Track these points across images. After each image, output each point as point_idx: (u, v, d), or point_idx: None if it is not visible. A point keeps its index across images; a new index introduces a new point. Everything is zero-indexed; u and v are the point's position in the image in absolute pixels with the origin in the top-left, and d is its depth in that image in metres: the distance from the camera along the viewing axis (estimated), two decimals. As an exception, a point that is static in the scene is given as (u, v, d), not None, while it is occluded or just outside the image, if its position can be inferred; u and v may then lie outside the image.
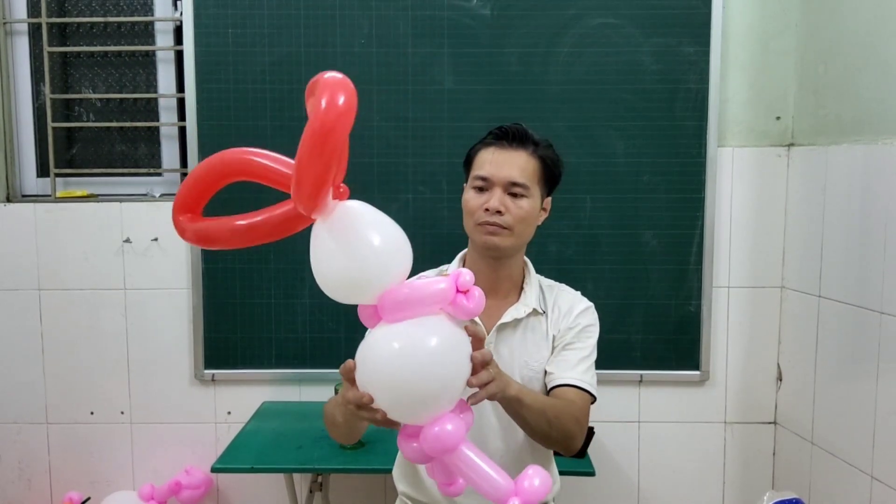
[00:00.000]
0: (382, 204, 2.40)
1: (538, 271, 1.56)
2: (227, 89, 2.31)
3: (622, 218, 2.33)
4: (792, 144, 2.35)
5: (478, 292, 1.04)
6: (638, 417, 2.45)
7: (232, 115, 2.32)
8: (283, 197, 1.09)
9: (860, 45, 2.02)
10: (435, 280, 1.04)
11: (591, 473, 1.98)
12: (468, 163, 1.47)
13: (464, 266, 1.50)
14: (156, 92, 2.50)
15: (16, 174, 2.53)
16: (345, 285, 1.03)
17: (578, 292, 1.56)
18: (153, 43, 2.50)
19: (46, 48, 2.44)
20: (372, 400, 1.03)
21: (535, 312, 1.47)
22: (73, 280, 2.44)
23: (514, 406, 1.27)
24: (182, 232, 1.12)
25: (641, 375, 2.40)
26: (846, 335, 2.04)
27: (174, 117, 2.49)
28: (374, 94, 2.26)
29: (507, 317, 1.45)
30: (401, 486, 1.61)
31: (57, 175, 2.49)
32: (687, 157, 2.32)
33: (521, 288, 1.50)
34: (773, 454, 2.47)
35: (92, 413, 2.49)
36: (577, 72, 2.26)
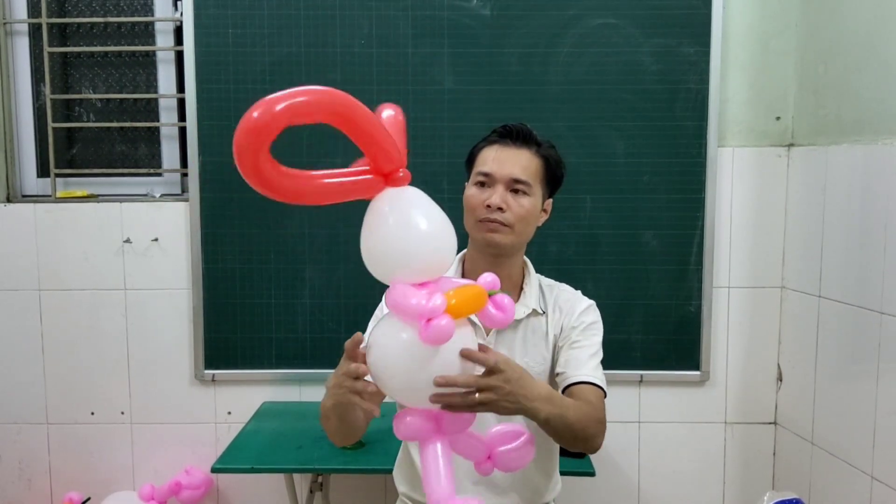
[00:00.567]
0: (382, 204, 2.35)
1: (538, 271, 1.55)
2: (227, 89, 2.31)
3: (622, 218, 2.33)
4: (792, 144, 2.35)
5: (507, 300, 1.07)
6: (638, 417, 2.45)
7: (232, 115, 2.32)
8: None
9: (860, 45, 2.02)
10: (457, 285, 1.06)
11: (592, 473, 1.98)
12: (470, 160, 1.47)
13: (463, 266, 1.50)
14: (156, 92, 2.50)
15: (16, 174, 2.53)
16: (400, 255, 1.05)
17: (579, 291, 1.55)
18: (153, 43, 2.50)
19: (46, 48, 2.44)
20: (366, 373, 1.08)
21: (535, 313, 1.47)
22: (73, 280, 2.44)
23: (542, 426, 1.26)
24: (255, 170, 1.00)
25: (641, 375, 2.40)
26: (846, 335, 2.04)
27: (174, 117, 2.49)
28: (374, 94, 2.26)
29: None
30: (401, 486, 1.61)
31: (57, 175, 2.49)
32: (687, 158, 2.32)
33: (521, 288, 1.49)
34: (774, 454, 2.47)
35: (92, 413, 2.49)
36: (577, 72, 2.26)
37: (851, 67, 2.05)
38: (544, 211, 1.48)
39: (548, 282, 1.55)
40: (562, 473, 1.64)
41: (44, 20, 2.43)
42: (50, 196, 2.49)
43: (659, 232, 2.33)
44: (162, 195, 2.50)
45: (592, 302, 1.53)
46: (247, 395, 2.45)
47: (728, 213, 2.37)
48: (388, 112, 1.09)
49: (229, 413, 2.48)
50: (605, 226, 2.33)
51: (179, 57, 2.41)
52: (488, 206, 1.37)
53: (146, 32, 2.51)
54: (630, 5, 2.26)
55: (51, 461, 2.52)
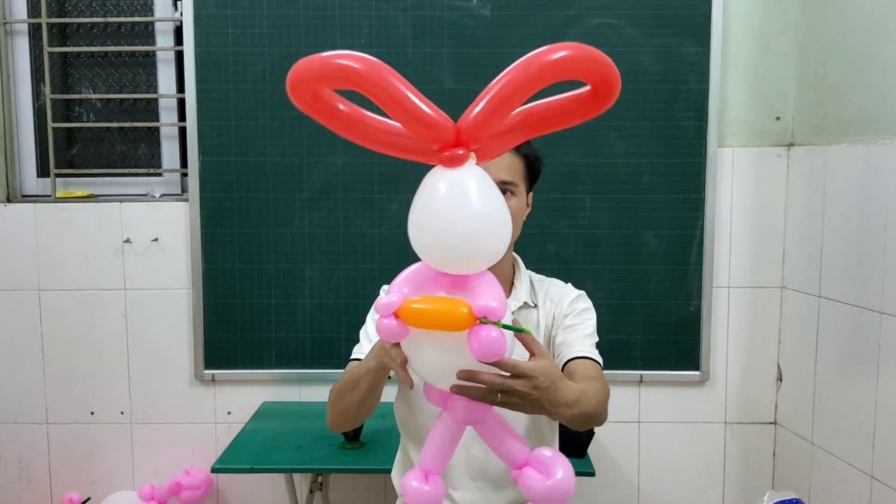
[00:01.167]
0: (383, 204, 2.41)
1: (538, 271, 1.56)
2: (227, 89, 2.31)
3: (622, 218, 2.33)
4: (792, 144, 2.35)
5: (492, 337, 0.93)
6: (638, 418, 2.45)
7: (232, 115, 2.32)
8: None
9: (860, 46, 2.01)
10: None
11: (592, 473, 1.98)
12: None
13: None
14: (156, 92, 2.50)
15: (16, 174, 2.53)
16: (423, 240, 0.97)
17: (569, 284, 1.57)
18: (153, 43, 2.50)
19: (46, 48, 2.44)
20: (406, 361, 1.03)
21: (525, 306, 1.48)
22: (73, 280, 2.44)
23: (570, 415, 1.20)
24: (311, 97, 0.97)
25: (641, 376, 2.40)
26: (846, 335, 2.04)
27: (174, 117, 2.49)
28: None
29: None
30: (400, 489, 1.61)
31: (57, 175, 2.49)
32: (687, 158, 2.32)
33: (512, 283, 1.51)
34: (773, 454, 2.47)
35: (92, 413, 2.49)
36: (577, 72, 2.26)
37: (851, 67, 2.05)
38: (528, 205, 1.49)
39: (538, 277, 1.57)
40: (562, 473, 1.64)
41: (44, 20, 2.43)
42: (50, 196, 2.49)
43: (659, 232, 2.33)
44: (162, 195, 2.50)
45: (583, 292, 1.54)
46: (247, 395, 2.45)
47: (728, 213, 2.37)
48: None
49: (229, 413, 2.48)
50: (605, 226, 2.33)
51: (179, 57, 2.41)
52: None
53: (146, 32, 2.51)
54: (630, 5, 2.26)
55: (50, 461, 2.52)
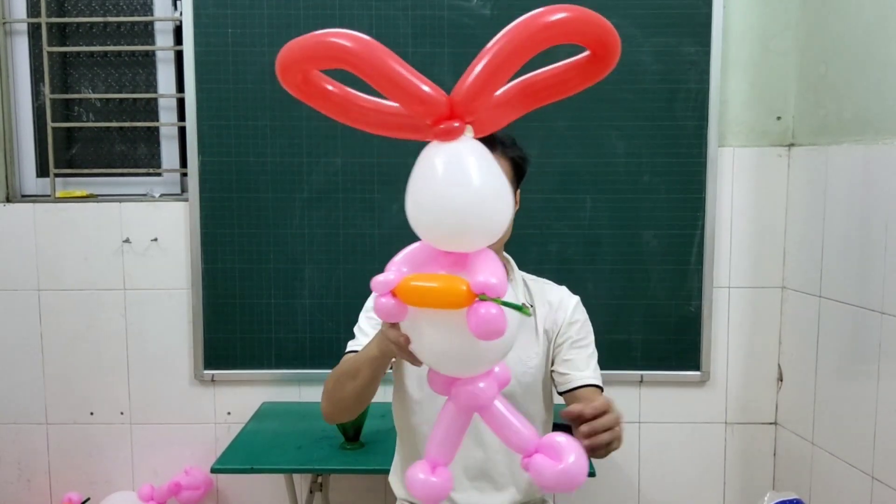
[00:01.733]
0: (382, 204, 2.41)
1: (538, 272, 1.56)
2: (227, 89, 2.31)
3: (622, 218, 2.32)
4: (792, 144, 2.35)
5: (491, 314, 0.89)
6: (638, 418, 2.45)
7: (232, 115, 2.32)
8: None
9: (861, 45, 2.01)
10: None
11: (591, 473, 1.97)
12: None
13: None
14: (155, 92, 2.50)
15: (15, 174, 2.53)
16: (420, 217, 0.94)
17: (564, 287, 1.57)
18: (153, 43, 2.50)
19: (46, 48, 2.44)
20: (409, 341, 1.00)
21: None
22: (73, 280, 2.44)
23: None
24: (302, 80, 0.94)
25: (642, 376, 2.40)
26: (847, 335, 2.04)
27: (174, 117, 2.49)
28: (373, 95, 2.25)
29: None
30: (399, 492, 1.61)
31: (57, 175, 2.49)
32: (687, 157, 2.31)
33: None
34: (774, 455, 2.46)
35: (92, 413, 2.49)
36: (578, 72, 2.26)
37: (852, 67, 2.05)
38: (517, 203, 1.49)
39: (531, 277, 1.57)
40: (562, 474, 1.64)
41: (43, 20, 2.43)
42: (49, 196, 2.49)
43: (659, 232, 2.33)
44: (161, 195, 2.50)
45: (579, 298, 1.55)
46: (246, 396, 2.45)
47: (728, 213, 2.37)
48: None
49: (229, 413, 2.47)
50: (605, 226, 2.33)
51: (179, 57, 2.41)
52: None
53: (146, 32, 2.50)
54: (630, 5, 2.26)
55: (50, 461, 2.52)
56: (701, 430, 2.46)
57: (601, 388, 1.47)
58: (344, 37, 0.88)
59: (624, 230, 2.33)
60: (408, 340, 0.99)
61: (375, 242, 2.32)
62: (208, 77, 2.31)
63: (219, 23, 2.29)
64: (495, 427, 1.02)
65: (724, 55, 2.29)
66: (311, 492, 2.28)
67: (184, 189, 2.49)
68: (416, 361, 1.05)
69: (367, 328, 1.49)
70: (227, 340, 2.40)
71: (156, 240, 2.42)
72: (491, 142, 1.41)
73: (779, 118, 2.36)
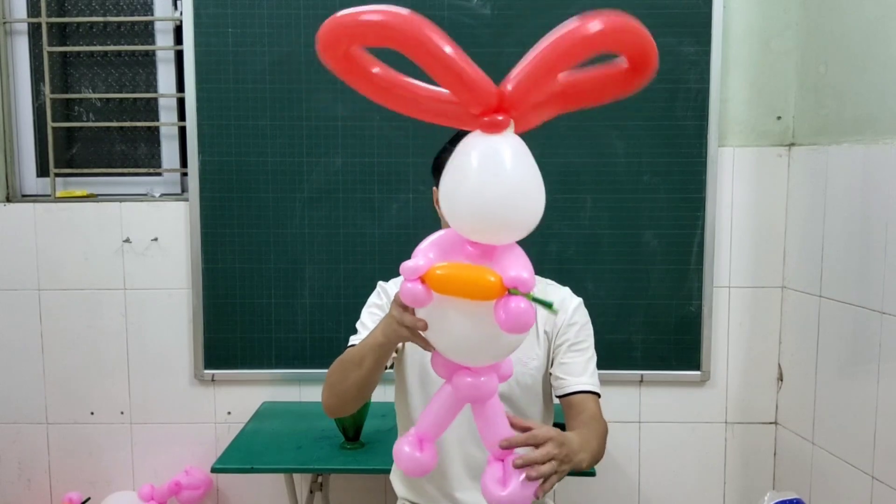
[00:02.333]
0: (382, 204, 2.41)
1: (538, 272, 1.55)
2: (227, 89, 2.31)
3: (622, 218, 2.32)
4: (793, 144, 2.35)
5: (521, 308, 0.91)
6: (638, 418, 2.45)
7: (232, 115, 2.32)
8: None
9: (861, 45, 2.01)
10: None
11: (592, 473, 1.97)
12: (438, 169, 1.47)
13: None
14: (156, 92, 2.50)
15: (15, 174, 2.53)
16: (456, 207, 0.93)
17: (567, 288, 1.56)
18: (153, 43, 2.50)
19: (46, 48, 2.43)
20: (426, 327, 1.00)
21: None
22: (73, 280, 2.44)
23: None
24: (343, 56, 0.93)
25: (642, 375, 2.40)
26: (847, 335, 2.04)
27: (174, 117, 2.49)
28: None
29: None
30: (400, 491, 1.61)
31: (57, 175, 2.49)
32: (687, 157, 2.31)
33: None
34: (774, 454, 2.46)
35: (92, 413, 2.49)
36: (578, 71, 2.26)
37: (852, 67, 2.05)
38: None
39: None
40: (562, 474, 1.64)
41: (43, 20, 2.43)
42: (49, 196, 2.49)
43: (659, 232, 2.33)
44: (162, 195, 2.50)
45: (581, 300, 1.54)
46: (247, 395, 2.45)
47: (728, 212, 2.37)
48: None
49: (229, 413, 2.47)
50: (605, 226, 2.33)
51: (179, 56, 2.41)
52: None
53: (146, 32, 2.50)
54: (630, 4, 2.23)
55: (50, 461, 2.52)
56: (701, 429, 2.46)
57: (598, 394, 1.47)
58: (391, 14, 0.87)
59: (624, 230, 2.33)
60: (426, 326, 0.99)
61: (375, 242, 2.31)
62: (208, 77, 2.31)
63: (219, 23, 2.29)
64: (480, 420, 1.04)
65: (724, 55, 2.29)
66: (311, 492, 2.28)
67: (184, 189, 2.49)
68: (428, 347, 1.05)
69: (368, 322, 1.49)
70: (227, 340, 2.40)
71: (156, 240, 2.42)
72: None
73: (779, 118, 2.36)
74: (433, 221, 1.55)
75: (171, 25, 2.46)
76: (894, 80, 1.87)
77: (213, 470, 2.00)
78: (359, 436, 2.09)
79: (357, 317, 1.55)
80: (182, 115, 2.42)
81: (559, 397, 1.49)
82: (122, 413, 2.49)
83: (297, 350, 2.39)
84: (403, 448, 1.02)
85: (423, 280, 0.93)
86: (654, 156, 2.31)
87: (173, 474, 2.42)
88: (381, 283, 1.58)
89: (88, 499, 2.46)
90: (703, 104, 2.29)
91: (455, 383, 1.01)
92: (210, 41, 2.30)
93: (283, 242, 2.36)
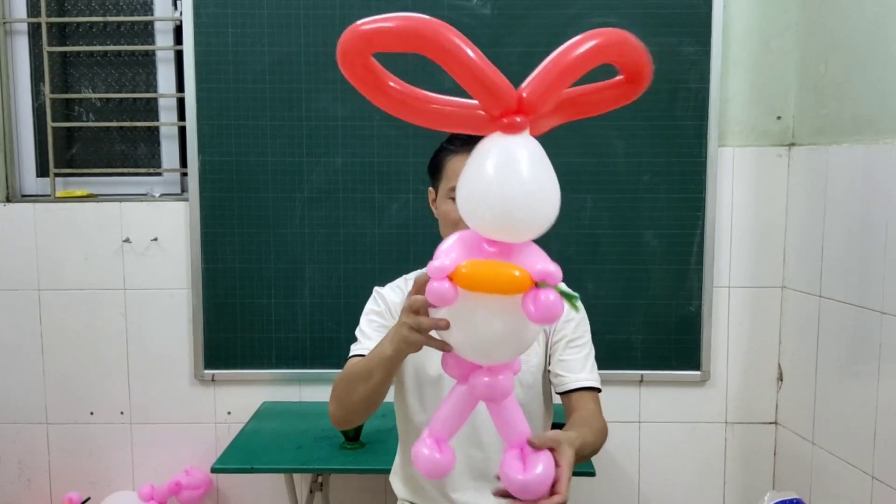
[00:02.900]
0: (382, 203, 2.41)
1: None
2: (227, 89, 2.31)
3: (622, 218, 2.32)
4: (793, 144, 2.35)
5: (550, 300, 0.93)
6: (638, 417, 2.45)
7: (232, 115, 2.32)
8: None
9: (861, 45, 2.01)
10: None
11: (592, 473, 1.98)
12: (436, 169, 1.47)
13: None
14: (155, 92, 2.50)
15: (15, 174, 2.53)
16: (475, 206, 0.95)
17: (562, 284, 1.56)
18: (153, 43, 2.50)
19: (46, 48, 2.43)
20: (448, 325, 1.01)
21: None
22: (73, 280, 2.44)
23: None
24: (362, 66, 0.94)
25: (642, 375, 2.40)
26: (847, 335, 2.04)
27: (174, 117, 2.49)
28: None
29: None
30: (400, 492, 1.61)
31: (56, 175, 2.49)
32: (687, 157, 2.31)
33: None
34: (774, 454, 2.46)
35: (92, 413, 2.49)
36: (578, 71, 2.25)
37: (852, 67, 2.05)
38: None
39: None
40: (562, 474, 1.64)
41: (43, 20, 2.43)
42: (49, 196, 2.49)
43: (659, 232, 2.33)
44: (161, 195, 2.50)
45: (577, 295, 1.54)
46: (247, 395, 2.45)
47: (728, 213, 2.37)
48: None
49: (229, 413, 2.47)
50: (605, 226, 2.33)
51: (179, 56, 2.41)
52: None
53: (146, 32, 2.50)
54: (630, 4, 2.26)
55: (50, 461, 2.52)
56: (701, 429, 2.46)
57: (598, 390, 1.47)
58: (417, 20, 0.92)
59: (624, 230, 2.33)
60: (448, 325, 1.00)
61: (375, 242, 2.31)
62: (208, 77, 2.31)
63: (219, 23, 2.29)
64: (497, 419, 1.04)
65: (724, 55, 2.29)
66: (311, 492, 2.28)
67: (184, 189, 2.49)
68: (445, 347, 1.06)
69: (368, 331, 1.48)
70: (227, 340, 2.40)
71: (156, 240, 2.42)
72: None
73: (779, 118, 2.36)
74: (433, 221, 1.55)
75: (171, 25, 2.46)
76: (894, 80, 1.87)
77: (213, 470, 2.00)
78: (359, 436, 2.09)
79: (356, 318, 1.54)
80: (182, 115, 2.42)
81: (559, 394, 1.49)
82: (121, 413, 2.49)
83: (297, 350, 2.39)
84: (422, 451, 1.03)
85: (450, 278, 0.95)
86: (654, 156, 2.31)
87: (173, 474, 2.42)
88: (377, 288, 1.57)
89: (88, 499, 2.46)
90: (703, 104, 2.29)
91: (472, 384, 1.02)
92: (210, 41, 2.30)
93: (283, 242, 2.36)
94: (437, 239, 2.07)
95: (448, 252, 0.99)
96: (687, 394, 2.43)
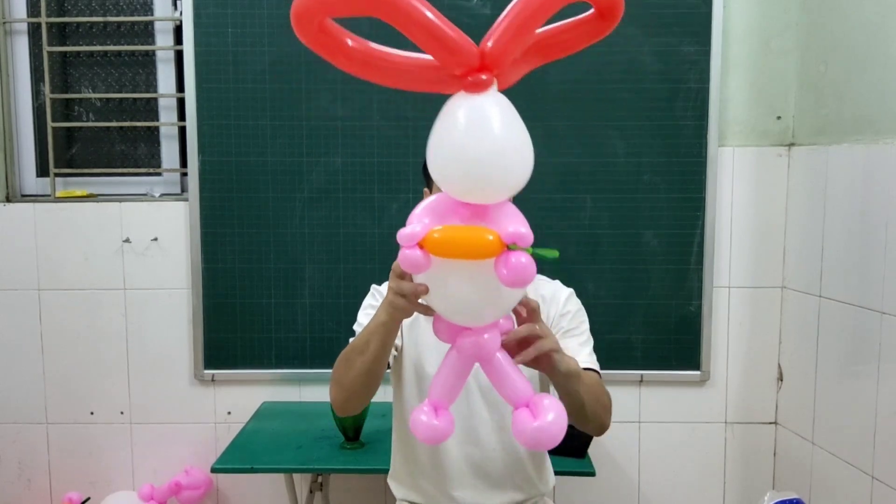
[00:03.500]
0: (382, 203, 2.41)
1: (539, 272, 1.56)
2: (227, 89, 2.31)
3: (622, 218, 2.32)
4: (792, 144, 2.35)
5: (522, 262, 0.93)
6: (638, 417, 2.45)
7: (232, 115, 2.32)
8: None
9: (861, 45, 2.01)
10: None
11: (592, 473, 1.98)
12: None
13: None
14: (155, 92, 2.50)
15: (15, 174, 2.53)
16: (442, 168, 0.94)
17: (557, 280, 1.56)
18: (153, 43, 2.50)
19: (46, 48, 2.43)
20: (427, 290, 1.00)
21: None
22: (73, 280, 2.44)
23: (571, 382, 1.26)
24: (318, 30, 0.93)
25: (642, 375, 2.40)
26: (847, 335, 2.04)
27: (174, 117, 2.49)
28: (373, 94, 2.25)
29: None
30: (398, 492, 1.61)
31: (56, 175, 2.49)
32: (687, 157, 2.31)
33: None
34: (774, 454, 2.46)
35: (92, 413, 2.49)
36: (577, 71, 2.25)
37: (852, 67, 2.05)
38: None
39: None
40: (562, 473, 1.65)
41: (43, 19, 2.43)
42: (49, 196, 2.49)
43: (659, 232, 2.33)
44: (161, 195, 2.50)
45: (572, 289, 1.55)
46: (247, 395, 2.45)
47: (728, 212, 2.37)
48: None
49: (229, 413, 2.47)
50: (605, 226, 2.33)
51: (179, 56, 2.41)
52: None
53: (146, 32, 2.50)
54: (630, 5, 2.22)
55: (50, 461, 2.52)
56: (701, 429, 2.46)
57: (598, 372, 1.47)
58: None
59: (624, 230, 2.33)
60: (427, 290, 1.00)
61: (375, 242, 2.32)
62: (208, 77, 2.31)
63: (219, 23, 2.29)
64: (494, 379, 1.04)
65: (724, 55, 2.29)
66: (311, 492, 2.28)
67: (184, 189, 2.49)
68: (429, 312, 1.07)
69: (365, 322, 1.49)
70: (227, 340, 2.40)
71: (156, 239, 2.42)
72: None
73: (779, 118, 2.36)
74: (433, 221, 1.55)
75: (171, 25, 2.46)
76: (894, 80, 1.87)
77: (213, 470, 2.00)
78: (359, 436, 2.09)
79: (356, 317, 1.55)
80: (182, 115, 2.42)
81: None
82: (121, 413, 2.49)
83: (297, 350, 2.39)
84: (420, 417, 1.01)
85: (421, 245, 0.93)
86: (654, 156, 2.31)
87: (173, 474, 2.42)
88: (374, 286, 1.58)
89: (88, 499, 2.46)
90: (703, 104, 2.29)
91: (458, 345, 1.02)
92: (210, 41, 2.30)
93: (283, 242, 2.36)
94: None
95: (420, 217, 0.97)
96: (687, 394, 2.43)
